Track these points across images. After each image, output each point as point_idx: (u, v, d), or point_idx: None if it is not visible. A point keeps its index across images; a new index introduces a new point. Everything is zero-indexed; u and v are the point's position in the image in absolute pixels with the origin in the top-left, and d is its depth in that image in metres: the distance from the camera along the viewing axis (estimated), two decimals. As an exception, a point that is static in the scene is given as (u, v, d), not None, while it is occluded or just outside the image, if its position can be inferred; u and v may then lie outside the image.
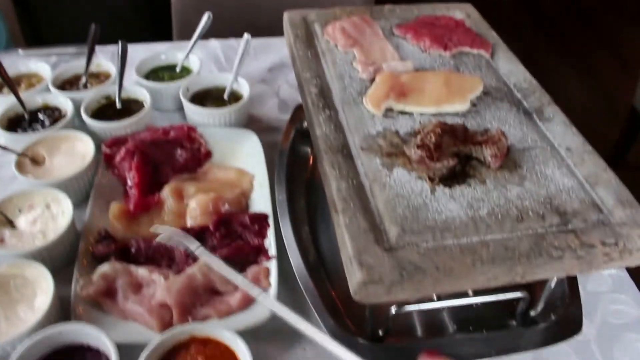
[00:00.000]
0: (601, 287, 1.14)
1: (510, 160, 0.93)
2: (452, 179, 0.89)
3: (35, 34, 3.09)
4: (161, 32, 2.43)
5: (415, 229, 0.80)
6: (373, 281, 0.74)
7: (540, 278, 0.83)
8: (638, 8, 2.71)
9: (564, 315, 1.03)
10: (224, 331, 0.92)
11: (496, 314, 1.05)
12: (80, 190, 1.27)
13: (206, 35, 1.62)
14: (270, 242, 1.13)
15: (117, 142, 1.34)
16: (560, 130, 1.01)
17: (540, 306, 1.03)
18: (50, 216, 1.13)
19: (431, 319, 1.04)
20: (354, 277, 0.75)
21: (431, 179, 0.88)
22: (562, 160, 0.95)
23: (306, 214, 1.22)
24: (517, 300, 1.02)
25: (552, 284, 1.00)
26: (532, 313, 1.04)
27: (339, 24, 1.22)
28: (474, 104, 1.06)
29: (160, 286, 1.03)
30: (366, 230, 0.80)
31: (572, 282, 1.07)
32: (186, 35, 1.79)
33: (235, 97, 1.49)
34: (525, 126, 1.02)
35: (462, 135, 0.94)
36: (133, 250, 1.12)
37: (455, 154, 0.92)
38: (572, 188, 0.89)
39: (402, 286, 0.75)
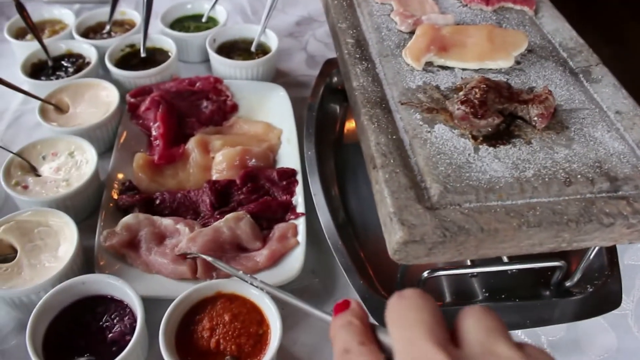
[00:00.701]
0: (639, 261, 1.10)
1: (556, 121, 0.89)
2: (496, 138, 0.84)
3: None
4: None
5: (458, 188, 0.76)
6: (415, 240, 0.70)
7: (586, 246, 0.78)
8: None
9: (601, 287, 0.99)
10: (250, 288, 0.89)
11: (529, 283, 1.01)
12: (104, 140, 1.24)
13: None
14: (298, 199, 1.09)
15: (142, 91, 1.30)
16: (609, 93, 0.95)
17: (576, 277, 0.99)
18: (74, 164, 1.10)
19: (462, 284, 1.01)
20: (395, 235, 0.71)
21: (474, 137, 0.84)
22: (612, 123, 0.90)
23: (335, 173, 1.18)
24: (552, 269, 0.98)
25: (592, 254, 0.96)
26: (568, 283, 1.00)
27: (376, -26, 1.16)
28: (517, 62, 1.00)
29: (185, 237, 1.00)
30: (407, 187, 0.75)
31: (611, 253, 1.03)
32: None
33: (262, 49, 1.45)
34: (572, 87, 0.96)
35: (506, 93, 0.90)
36: (157, 201, 1.09)
37: (499, 111, 0.87)
38: (622, 153, 0.84)
39: (444, 247, 0.72)
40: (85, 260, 1.00)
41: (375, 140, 0.82)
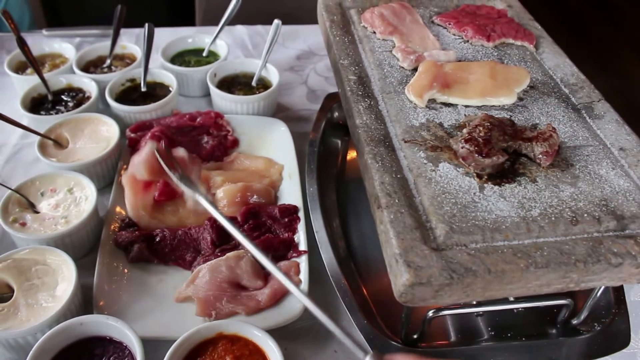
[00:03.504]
0: (646, 296, 1.08)
1: (561, 158, 0.88)
2: (501, 176, 0.84)
3: (57, 17, 3.05)
4: (182, 17, 2.39)
5: (464, 228, 0.75)
6: (421, 283, 0.69)
7: (594, 286, 0.77)
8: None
9: (609, 326, 0.97)
10: (253, 329, 0.87)
11: (536, 321, 1.00)
12: (104, 175, 1.23)
13: (232, 21, 1.57)
14: (300, 236, 1.08)
15: (142, 126, 1.30)
16: (612, 129, 0.95)
17: (583, 315, 0.97)
18: (73, 201, 1.09)
19: (467, 323, 0.99)
20: (401, 277, 0.70)
21: (479, 176, 0.83)
22: (616, 160, 0.89)
23: (337, 208, 1.17)
24: (558, 307, 0.97)
25: (599, 292, 0.94)
26: (575, 321, 0.98)
27: (377, 10, 1.16)
28: (520, 98, 1.00)
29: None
30: (412, 228, 0.75)
31: (617, 290, 1.02)
32: (209, 21, 1.75)
33: (263, 84, 1.44)
34: (575, 123, 0.96)
35: (510, 130, 0.89)
36: (158, 239, 1.08)
37: (504, 149, 0.86)
38: (628, 190, 0.84)
39: (451, 289, 0.70)
40: (84, 299, 0.98)
41: (379, 179, 0.81)
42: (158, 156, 1.10)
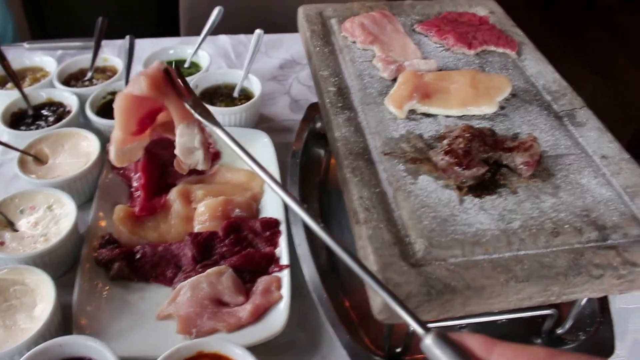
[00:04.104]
0: (632, 304, 1.08)
1: (542, 168, 0.87)
2: (481, 188, 0.83)
3: (42, 28, 3.03)
4: (168, 27, 2.37)
5: (443, 242, 0.74)
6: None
7: (576, 298, 0.77)
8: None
9: (594, 334, 0.96)
10: (233, 347, 0.86)
11: (520, 332, 0.99)
12: (84, 191, 1.21)
13: (215, 31, 1.56)
14: (282, 250, 1.07)
15: (123, 140, 1.28)
16: (594, 137, 0.94)
17: (568, 324, 0.96)
18: (53, 218, 1.08)
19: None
20: (379, 295, 0.69)
21: (459, 188, 0.82)
22: (598, 169, 0.88)
23: (320, 218, 1.16)
24: (543, 317, 0.96)
25: (584, 301, 0.93)
26: (559, 331, 0.97)
27: (357, 20, 1.15)
28: (501, 107, 0.99)
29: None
30: (391, 243, 0.74)
31: (602, 298, 1.01)
32: (194, 31, 1.74)
33: (245, 95, 1.43)
34: (556, 131, 0.95)
35: (491, 141, 0.88)
36: (138, 255, 1.07)
37: (484, 160, 0.85)
38: (610, 199, 0.83)
39: (430, 305, 0.69)
40: (64, 319, 0.97)
41: (357, 194, 0.80)
42: (167, 75, 0.84)
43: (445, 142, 0.87)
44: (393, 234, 0.75)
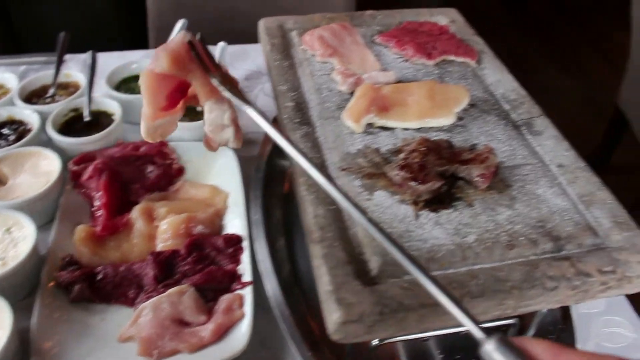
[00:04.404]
0: (594, 309, 1.08)
1: (499, 179, 0.87)
2: (437, 202, 0.83)
3: (13, 42, 3.00)
4: (138, 39, 2.36)
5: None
6: (352, 320, 0.67)
7: (532, 310, 0.76)
8: (623, 7, 2.68)
9: (556, 342, 0.96)
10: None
11: (486, 341, 0.99)
12: (45, 212, 1.19)
13: (182, 42, 1.54)
14: (245, 267, 1.06)
15: (85, 158, 1.27)
16: (551, 145, 0.95)
17: (531, 332, 0.97)
18: (11, 241, 1.06)
19: (416, 348, 0.98)
20: (332, 315, 0.68)
21: (415, 203, 0.82)
22: (554, 178, 0.89)
23: (283, 228, 1.15)
24: (507, 326, 0.96)
25: (545, 309, 0.94)
26: (524, 339, 0.97)
27: (317, 32, 1.15)
28: (459, 117, 0.99)
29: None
30: (345, 263, 0.73)
31: (564, 306, 1.01)
32: (162, 42, 1.72)
33: (210, 108, 1.42)
34: (514, 141, 0.95)
35: (447, 153, 0.88)
36: (100, 276, 1.05)
37: (440, 174, 0.85)
38: (565, 209, 0.83)
39: (384, 324, 0.69)
40: (22, 344, 0.95)
41: (312, 212, 0.80)
42: (192, 49, 0.78)
43: (401, 156, 0.86)
44: (348, 252, 0.75)
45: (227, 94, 0.76)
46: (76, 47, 1.68)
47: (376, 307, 0.68)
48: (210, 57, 0.80)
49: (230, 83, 0.78)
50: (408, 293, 0.70)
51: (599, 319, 1.07)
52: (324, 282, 0.71)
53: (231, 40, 1.80)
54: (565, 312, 1.01)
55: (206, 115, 0.82)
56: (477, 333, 0.55)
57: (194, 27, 1.54)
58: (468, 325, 0.56)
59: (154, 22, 2.30)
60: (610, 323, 1.07)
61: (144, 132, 0.85)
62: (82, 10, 2.90)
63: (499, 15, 4.70)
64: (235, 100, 0.75)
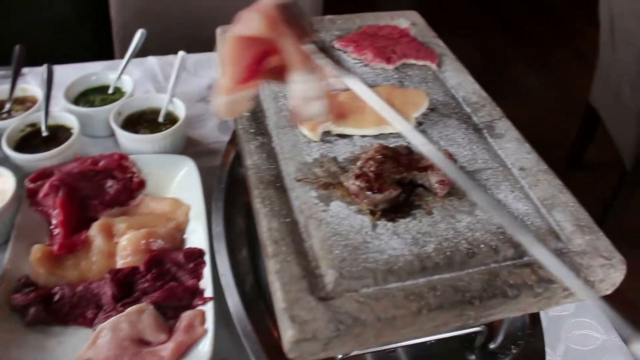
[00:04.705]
0: (564, 311, 1.07)
1: (459, 185, 0.85)
2: (395, 211, 0.81)
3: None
4: (105, 50, 2.32)
5: (354, 272, 0.72)
6: (306, 338, 0.65)
7: (495, 319, 0.75)
8: (594, 4, 2.69)
9: (525, 347, 0.95)
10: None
11: (454, 348, 0.97)
12: (1, 232, 1.16)
13: (148, 51, 1.52)
14: (206, 282, 1.03)
15: (42, 175, 1.23)
16: (513, 148, 0.93)
17: (500, 338, 0.95)
18: (-37, 264, 1.02)
19: (385, 358, 0.96)
20: (286, 333, 0.66)
21: (372, 213, 0.80)
22: (516, 181, 0.87)
23: (246, 238, 1.12)
24: (474, 334, 0.94)
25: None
26: (492, 346, 0.96)
27: (274, 40, 1.12)
28: (419, 122, 0.98)
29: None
30: (299, 278, 0.71)
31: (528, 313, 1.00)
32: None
33: (171, 119, 1.39)
34: (475, 145, 0.94)
35: (405, 160, 0.86)
36: (56, 297, 1.02)
37: (398, 182, 0.83)
38: (526, 214, 0.82)
39: (340, 341, 0.67)
40: (-26, 372, 0.92)
41: (267, 225, 0.77)
42: (284, 12, 0.72)
43: (357, 164, 0.84)
44: (303, 267, 0.72)
45: (325, 61, 0.70)
46: (41, 60, 1.64)
47: (330, 324, 0.66)
48: (305, 22, 0.73)
49: (327, 50, 0.72)
50: (364, 307, 0.68)
51: (569, 321, 1.06)
52: (277, 299, 0.69)
53: (197, 49, 1.77)
54: (534, 316, 1.00)
55: (293, 87, 0.74)
56: (625, 331, 0.52)
57: (158, 36, 1.51)
58: (614, 324, 0.53)
59: (119, 33, 2.27)
60: (581, 325, 1.06)
61: (219, 108, 0.79)
62: (45, 22, 2.84)
63: (472, 15, 4.71)
64: (335, 69, 0.70)
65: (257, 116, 0.98)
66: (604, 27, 2.64)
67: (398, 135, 0.94)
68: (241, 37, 0.74)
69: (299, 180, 0.85)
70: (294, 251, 0.74)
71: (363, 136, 0.94)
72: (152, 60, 1.75)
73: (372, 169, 0.82)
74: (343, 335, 0.66)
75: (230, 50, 0.75)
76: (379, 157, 0.83)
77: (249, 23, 0.72)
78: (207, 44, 1.74)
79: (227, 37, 0.75)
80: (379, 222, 0.78)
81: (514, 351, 0.95)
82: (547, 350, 0.99)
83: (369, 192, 0.79)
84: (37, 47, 1.67)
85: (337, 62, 0.73)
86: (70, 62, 1.73)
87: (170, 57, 1.76)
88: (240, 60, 0.76)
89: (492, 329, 0.94)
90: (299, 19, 0.73)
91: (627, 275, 0.76)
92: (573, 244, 0.78)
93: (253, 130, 0.94)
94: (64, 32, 2.87)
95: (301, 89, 0.74)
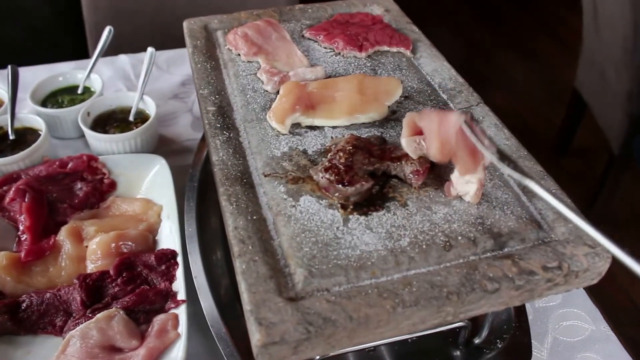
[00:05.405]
0: (550, 302, 1.04)
1: (434, 175, 0.82)
2: (368, 204, 0.77)
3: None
4: (78, 50, 2.27)
5: (324, 270, 0.68)
6: (274, 342, 0.61)
7: (476, 314, 0.71)
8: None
9: (511, 341, 0.92)
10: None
11: (438, 344, 0.94)
12: (-34, 240, 1.11)
13: (121, 50, 1.47)
14: (179, 284, 0.99)
15: (9, 179, 1.19)
16: (491, 134, 0.89)
17: (484, 333, 0.92)
18: None
19: (366, 357, 0.92)
20: (253, 337, 0.62)
21: (344, 207, 0.76)
22: (494, 169, 0.83)
23: (220, 237, 1.09)
24: (459, 329, 0.91)
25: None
26: (477, 341, 0.92)
27: (240, 30, 1.09)
28: (393, 111, 0.94)
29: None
30: (267, 278, 0.67)
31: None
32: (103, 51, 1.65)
33: (142, 118, 1.35)
34: (451, 132, 0.90)
35: (378, 151, 0.82)
36: (24, 306, 0.98)
37: (370, 173, 0.79)
38: (506, 203, 0.78)
39: (311, 343, 0.63)
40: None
41: (233, 224, 0.73)
42: (467, 128, 0.76)
43: (328, 156, 0.81)
44: (270, 266, 0.68)
45: (507, 170, 0.75)
46: (16, 62, 1.59)
47: (299, 326, 0.62)
48: (483, 133, 0.78)
49: (507, 159, 0.83)
50: (335, 307, 0.64)
51: (556, 312, 1.03)
52: (244, 301, 0.65)
53: (169, 46, 1.73)
54: (519, 308, 0.96)
55: (462, 177, 0.77)
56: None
57: (131, 35, 1.47)
58: None
59: (92, 32, 2.22)
60: (568, 316, 1.02)
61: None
62: (20, 23, 2.79)
63: (452, 3, 4.67)
64: (517, 176, 0.74)
65: (223, 110, 0.94)
66: (587, 11, 2.61)
67: (371, 125, 0.91)
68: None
69: (266, 175, 0.81)
70: (261, 250, 0.70)
71: (334, 127, 0.90)
72: (123, 59, 1.70)
73: (342, 160, 0.78)
74: (313, 337, 0.62)
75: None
76: (350, 148, 0.80)
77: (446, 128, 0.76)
78: (180, 42, 1.70)
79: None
80: (350, 217, 0.75)
81: (500, 345, 0.92)
82: (534, 343, 0.96)
83: (339, 185, 0.76)
84: (11, 49, 1.63)
85: (517, 167, 0.82)
86: (45, 64, 1.69)
87: (142, 55, 1.71)
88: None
89: (476, 323, 0.90)
90: (480, 132, 0.77)
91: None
92: (556, 233, 0.75)
93: (219, 125, 0.90)
94: (38, 33, 2.81)
95: (467, 178, 0.77)
